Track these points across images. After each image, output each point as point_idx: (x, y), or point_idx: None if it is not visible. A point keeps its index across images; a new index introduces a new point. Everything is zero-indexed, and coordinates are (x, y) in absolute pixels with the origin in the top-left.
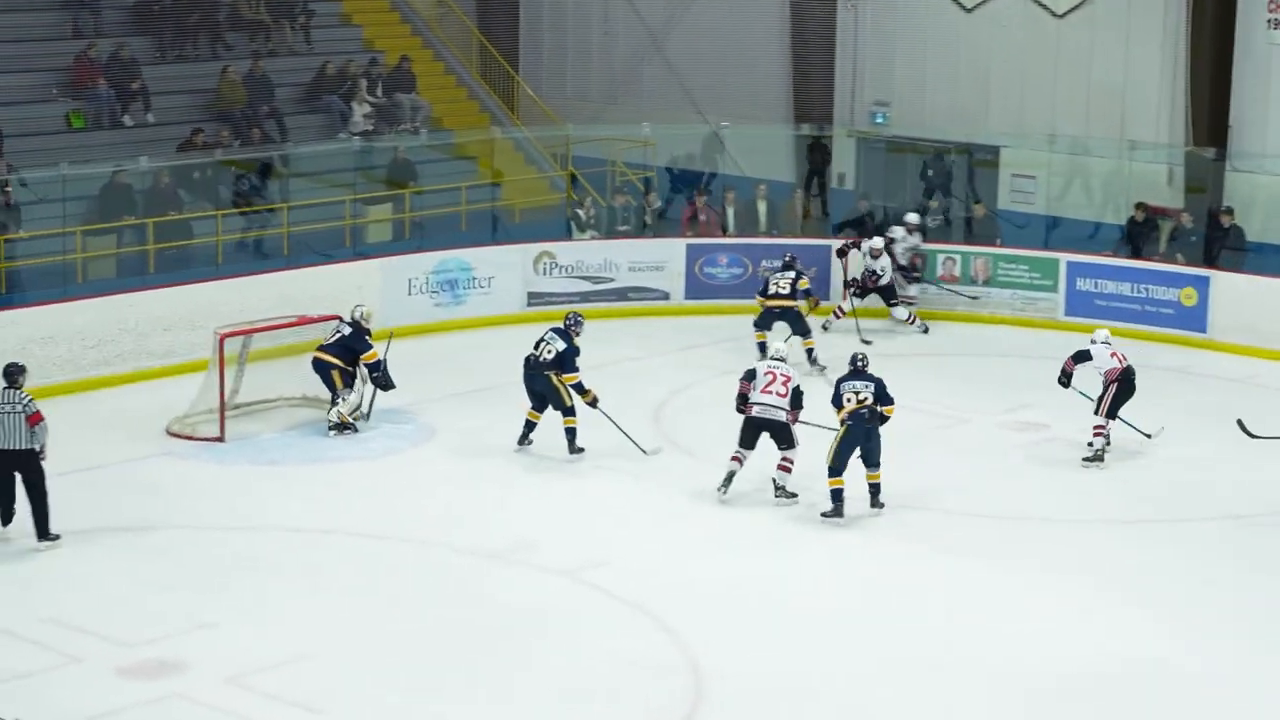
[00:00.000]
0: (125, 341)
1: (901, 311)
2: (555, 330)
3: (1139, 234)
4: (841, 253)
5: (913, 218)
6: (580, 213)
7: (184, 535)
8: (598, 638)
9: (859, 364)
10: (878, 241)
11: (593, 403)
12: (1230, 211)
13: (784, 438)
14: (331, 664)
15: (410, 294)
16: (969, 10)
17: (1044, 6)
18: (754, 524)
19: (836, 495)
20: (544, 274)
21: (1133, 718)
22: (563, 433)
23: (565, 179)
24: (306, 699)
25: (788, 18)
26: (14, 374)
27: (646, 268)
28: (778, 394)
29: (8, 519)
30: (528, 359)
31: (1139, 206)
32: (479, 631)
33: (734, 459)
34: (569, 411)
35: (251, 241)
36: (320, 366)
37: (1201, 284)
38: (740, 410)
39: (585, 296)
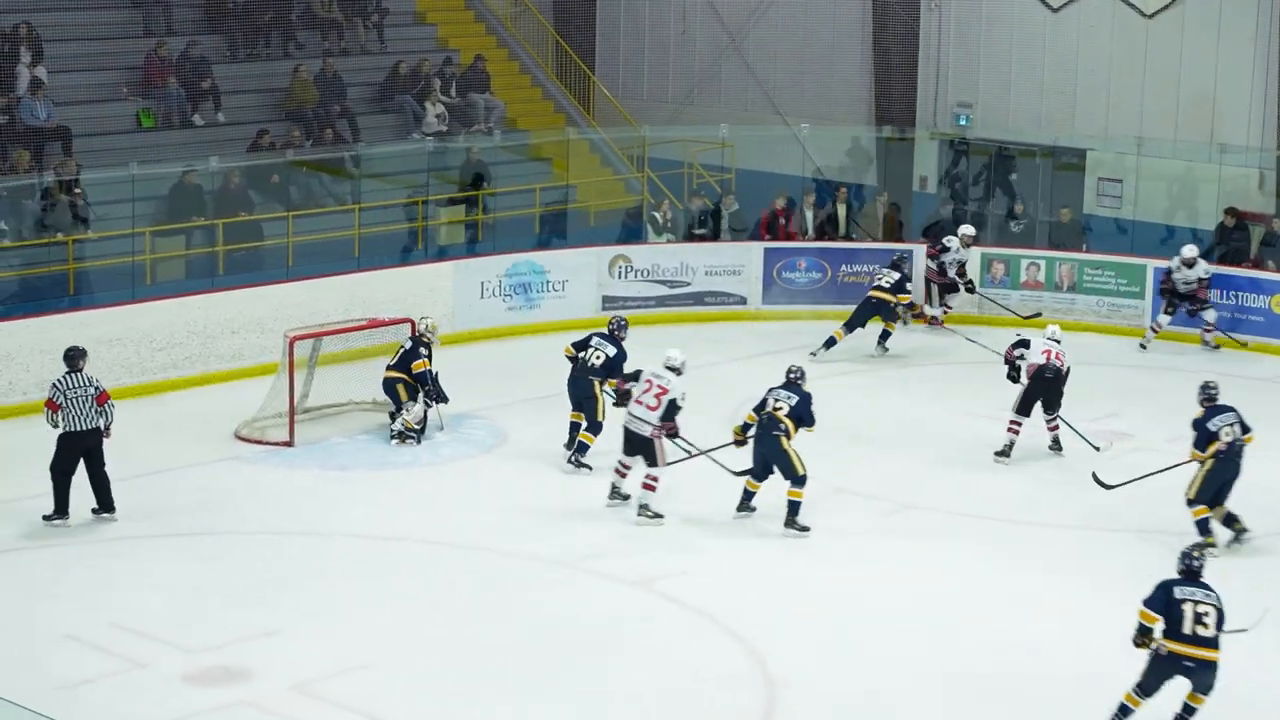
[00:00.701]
0: (193, 344)
1: (954, 301)
2: (602, 335)
3: (1229, 240)
4: (933, 256)
5: (1189, 250)
6: (657, 216)
7: (251, 541)
8: (667, 647)
9: (791, 375)
10: (969, 229)
11: (621, 401)
12: None
13: (647, 454)
14: (397, 672)
15: (483, 297)
16: (1055, 10)
17: (1133, 6)
18: (822, 532)
19: (745, 493)
20: (619, 278)
21: None
22: (578, 441)
23: (641, 181)
24: (372, 708)
25: (869, 18)
26: (75, 358)
27: (723, 272)
28: (648, 406)
29: (66, 509)
30: (575, 362)
31: (1229, 212)
32: (545, 640)
33: (617, 470)
34: (595, 427)
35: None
36: (388, 384)
37: None
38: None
39: (661, 300)
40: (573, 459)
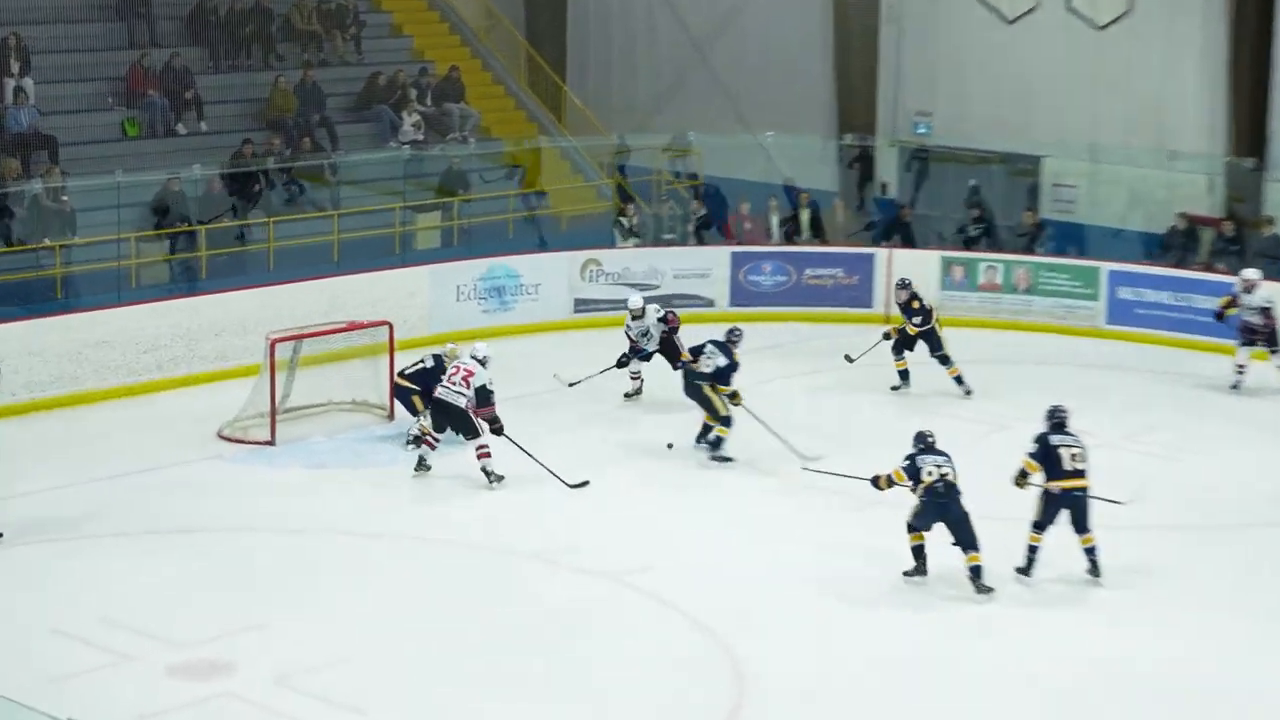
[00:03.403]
0: (178, 346)
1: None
2: (715, 343)
3: (1180, 243)
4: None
5: (1251, 273)
6: (624, 220)
7: (234, 537)
8: (640, 638)
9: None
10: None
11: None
12: (1271, 220)
13: (464, 426)
14: (377, 664)
15: (458, 300)
16: (1010, 22)
17: (1084, 19)
18: (795, 523)
19: (917, 551)
20: (590, 280)
21: None
22: (714, 436)
23: (611, 187)
24: (352, 699)
25: (830, 29)
26: None
27: (691, 275)
28: (459, 384)
29: None
30: (685, 368)
31: (1180, 216)
32: (521, 633)
33: (426, 442)
34: (725, 422)
35: None
36: (402, 393)
37: None
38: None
39: None
40: (716, 457)
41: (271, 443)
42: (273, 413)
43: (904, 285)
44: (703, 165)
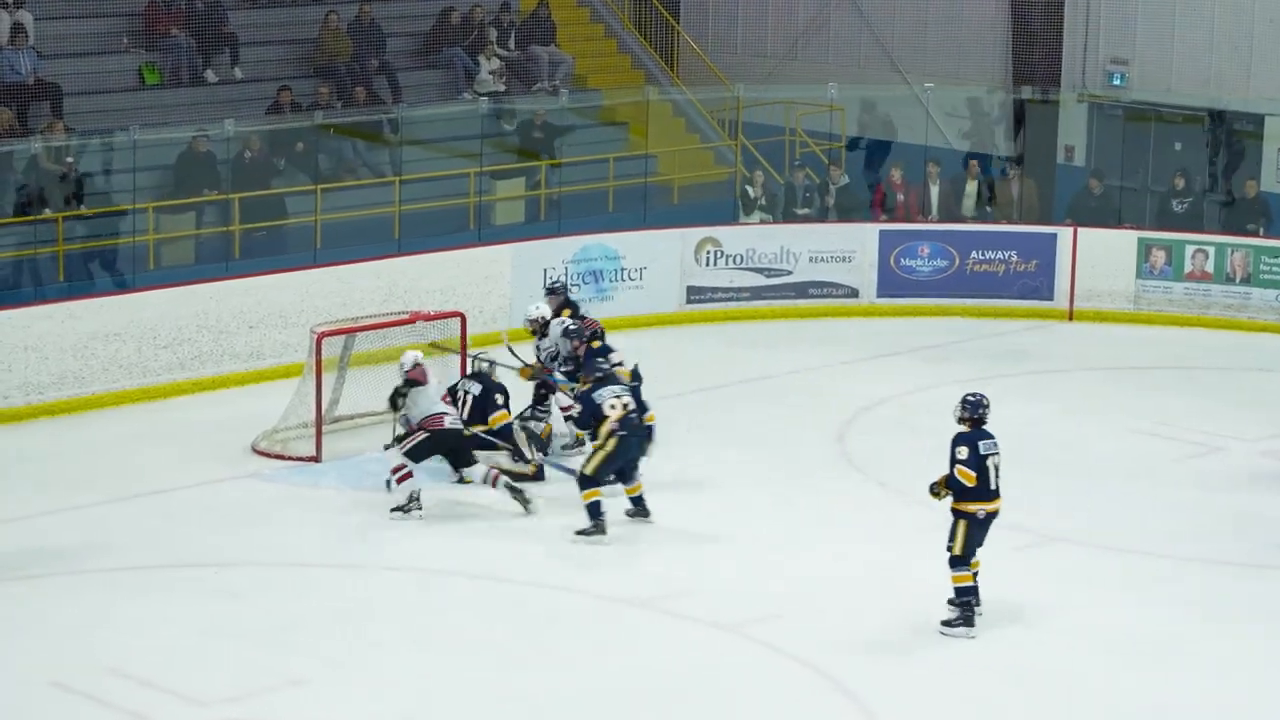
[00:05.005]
0: (204, 341)
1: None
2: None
3: None
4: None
5: None
6: (750, 190)
7: (269, 573)
8: (764, 702)
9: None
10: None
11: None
12: None
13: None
14: None
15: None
16: None
17: None
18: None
19: (595, 509)
20: (707, 265)
21: None
22: None
23: (734, 150)
24: None
25: None
26: None
27: (831, 259)
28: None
29: None
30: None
31: None
32: (626, 694)
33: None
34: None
35: None
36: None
37: None
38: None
39: (756, 292)
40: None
41: (316, 459)
42: (318, 423)
43: (555, 289)
44: (846, 124)
